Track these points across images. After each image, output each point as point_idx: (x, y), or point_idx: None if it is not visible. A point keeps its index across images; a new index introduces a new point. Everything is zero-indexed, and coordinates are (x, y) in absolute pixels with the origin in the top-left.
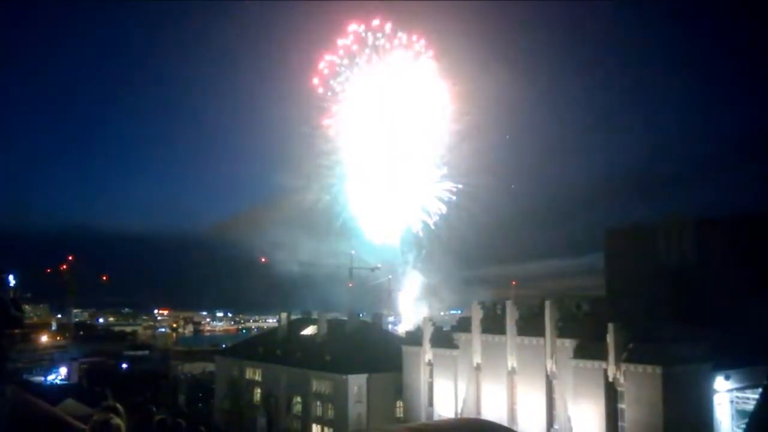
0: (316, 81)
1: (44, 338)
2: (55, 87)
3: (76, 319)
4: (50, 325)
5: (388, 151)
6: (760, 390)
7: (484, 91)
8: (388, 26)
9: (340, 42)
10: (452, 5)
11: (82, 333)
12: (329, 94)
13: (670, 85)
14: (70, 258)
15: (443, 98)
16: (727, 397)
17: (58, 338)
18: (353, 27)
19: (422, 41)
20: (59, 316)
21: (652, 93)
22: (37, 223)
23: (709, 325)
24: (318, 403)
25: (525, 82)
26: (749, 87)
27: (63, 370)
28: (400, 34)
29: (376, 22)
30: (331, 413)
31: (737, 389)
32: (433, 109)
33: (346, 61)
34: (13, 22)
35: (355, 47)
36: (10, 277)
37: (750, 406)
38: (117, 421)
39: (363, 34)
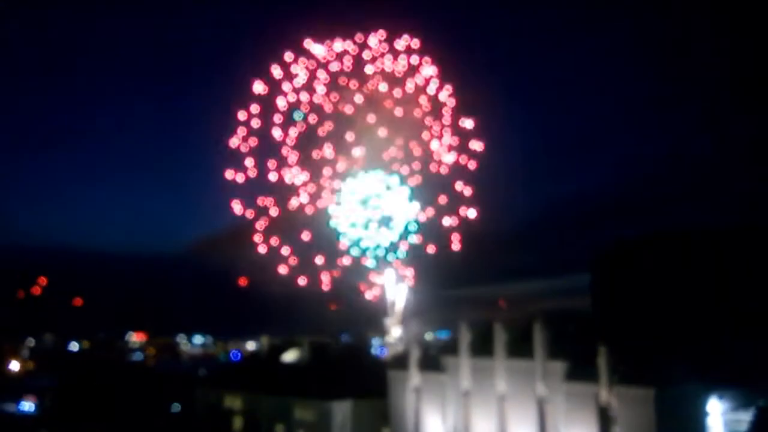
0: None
1: (15, 365)
2: (25, 103)
3: (49, 345)
4: (22, 351)
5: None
6: (752, 411)
7: (469, 106)
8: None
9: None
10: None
11: (55, 359)
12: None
13: (658, 103)
14: (43, 281)
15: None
16: (720, 419)
17: (30, 365)
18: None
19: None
20: (31, 341)
21: (637, 111)
22: (8, 244)
23: (699, 344)
24: (301, 431)
25: (510, 97)
26: (742, 103)
27: (34, 399)
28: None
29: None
30: None
31: (730, 410)
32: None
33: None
34: None
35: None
36: None
37: (743, 428)
38: None
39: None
